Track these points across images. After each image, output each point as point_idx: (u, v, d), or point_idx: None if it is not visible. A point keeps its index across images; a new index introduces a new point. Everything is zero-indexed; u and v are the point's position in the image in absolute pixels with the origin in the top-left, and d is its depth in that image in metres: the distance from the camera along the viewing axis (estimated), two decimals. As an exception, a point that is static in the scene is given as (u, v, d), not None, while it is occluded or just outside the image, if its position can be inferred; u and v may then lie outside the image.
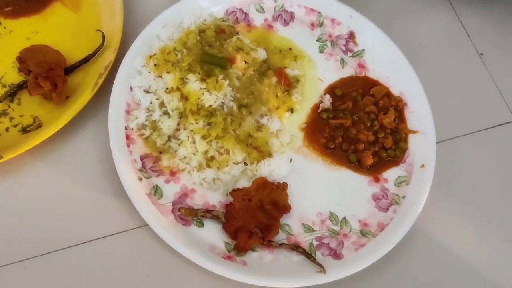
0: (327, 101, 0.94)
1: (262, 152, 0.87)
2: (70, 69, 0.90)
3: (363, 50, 1.01)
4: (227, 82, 0.86)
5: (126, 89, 0.88)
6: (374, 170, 0.90)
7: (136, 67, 0.89)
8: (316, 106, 0.95)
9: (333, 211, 0.86)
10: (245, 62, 0.90)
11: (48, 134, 0.82)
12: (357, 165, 0.90)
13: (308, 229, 0.84)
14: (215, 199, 0.84)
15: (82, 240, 0.81)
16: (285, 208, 0.81)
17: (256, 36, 0.99)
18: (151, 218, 0.79)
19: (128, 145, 0.84)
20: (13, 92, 0.89)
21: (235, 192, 0.82)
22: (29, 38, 0.94)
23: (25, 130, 0.86)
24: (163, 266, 0.80)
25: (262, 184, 0.82)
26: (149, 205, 0.80)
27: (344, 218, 0.86)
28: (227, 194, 0.83)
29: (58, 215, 0.83)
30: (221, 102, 0.86)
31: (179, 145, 0.85)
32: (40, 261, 0.80)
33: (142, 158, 0.85)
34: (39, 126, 0.86)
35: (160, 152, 0.86)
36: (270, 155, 0.88)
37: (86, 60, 0.90)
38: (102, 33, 0.91)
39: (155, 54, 0.89)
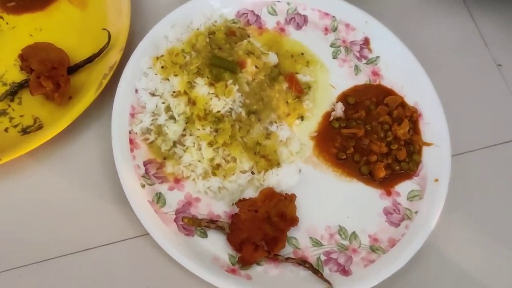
0: (340, 109, 0.92)
1: (270, 161, 0.85)
2: (74, 69, 0.87)
3: (377, 57, 0.98)
4: (236, 87, 0.84)
5: (131, 91, 0.86)
6: (386, 183, 0.88)
7: (142, 69, 0.87)
8: (328, 114, 0.92)
9: (343, 225, 0.83)
10: (256, 66, 0.87)
11: (49, 136, 0.80)
12: (369, 177, 0.88)
13: (316, 243, 0.82)
14: (220, 208, 0.82)
15: (81, 248, 0.79)
16: (293, 221, 0.79)
17: (267, 40, 0.97)
18: (152, 227, 0.76)
19: (132, 150, 0.82)
20: (14, 91, 0.86)
21: (241, 202, 0.80)
22: (32, 35, 0.92)
23: (25, 131, 0.84)
24: (164, 277, 0.78)
25: (270, 194, 0.80)
26: (151, 213, 0.78)
27: (354, 233, 0.83)
28: (232, 204, 0.81)
29: (56, 220, 0.80)
30: (230, 108, 0.83)
31: (184, 151, 0.82)
32: (35, 269, 0.77)
33: (145, 163, 0.83)
34: (40, 127, 0.83)
35: (165, 158, 0.83)
36: (278, 164, 0.85)
37: (90, 60, 0.88)
38: (108, 32, 0.88)
39: (162, 55, 0.87)
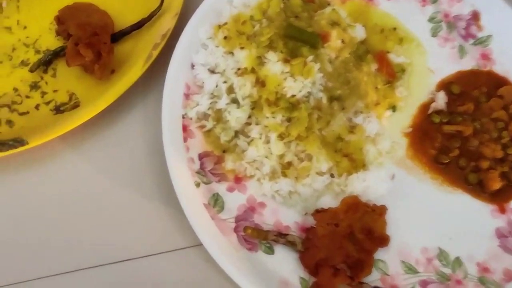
0: (441, 100, 0.81)
1: (354, 162, 0.76)
2: (119, 36, 0.81)
3: (489, 36, 0.87)
4: (317, 65, 0.74)
5: (187, 66, 0.78)
6: (500, 197, 0.77)
7: (201, 39, 0.80)
8: (426, 106, 0.82)
9: (443, 247, 0.73)
10: (342, 41, 0.77)
11: (86, 116, 0.73)
12: (478, 189, 0.77)
13: (410, 269, 0.71)
14: (290, 218, 0.74)
15: (118, 257, 0.71)
16: (382, 240, 0.70)
17: (352, 9, 0.86)
18: (207, 237, 0.69)
19: (185, 139, 0.75)
20: (48, 60, 0.80)
21: (319, 213, 0.71)
22: (72, -6, 0.87)
23: (58, 110, 0.77)
24: (220, 300, 0.70)
25: (354, 205, 0.71)
26: (207, 219, 0.71)
27: (458, 259, 0.72)
28: (305, 214, 0.73)
29: (90, 223, 0.73)
30: (308, 92, 0.74)
31: (248, 144, 0.75)
32: (59, 282, 0.69)
33: (201, 157, 0.75)
34: (76, 105, 0.77)
35: (224, 151, 0.76)
36: (364, 167, 0.76)
37: (139, 26, 0.81)
38: None
39: (225, 23, 0.79)
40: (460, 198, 0.76)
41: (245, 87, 0.75)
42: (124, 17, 0.81)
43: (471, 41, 0.85)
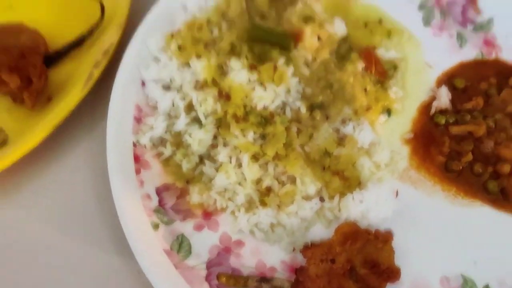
0: (444, 97, 0.75)
1: (347, 180, 0.69)
2: (54, 58, 0.73)
3: (490, 20, 0.81)
4: (291, 69, 0.69)
5: (136, 84, 0.72)
6: None
7: (151, 52, 0.74)
8: (427, 106, 0.76)
9: (468, 275, 0.65)
10: (318, 38, 0.71)
11: (17, 155, 0.65)
12: (501, 198, 0.70)
13: None
14: (275, 257, 0.65)
15: None
16: (391, 273, 0.63)
17: (328, 3, 0.79)
18: None
19: (138, 171, 0.67)
20: None
21: (309, 249, 0.63)
22: None
23: None
24: None
25: (351, 233, 0.65)
26: (169, 269, 0.61)
27: (487, 287, 0.64)
28: (293, 250, 0.65)
29: (26, 282, 0.62)
30: (282, 101, 0.68)
31: (216, 170, 0.68)
32: None
33: (159, 191, 0.67)
34: (4, 142, 0.69)
35: (188, 182, 0.69)
36: (360, 185, 0.69)
37: (78, 43, 0.74)
38: (101, 3, 0.75)
39: (179, 31, 0.73)
40: (480, 211, 0.69)
41: (206, 103, 0.68)
42: (60, 35, 0.74)
43: (470, 27, 0.79)
